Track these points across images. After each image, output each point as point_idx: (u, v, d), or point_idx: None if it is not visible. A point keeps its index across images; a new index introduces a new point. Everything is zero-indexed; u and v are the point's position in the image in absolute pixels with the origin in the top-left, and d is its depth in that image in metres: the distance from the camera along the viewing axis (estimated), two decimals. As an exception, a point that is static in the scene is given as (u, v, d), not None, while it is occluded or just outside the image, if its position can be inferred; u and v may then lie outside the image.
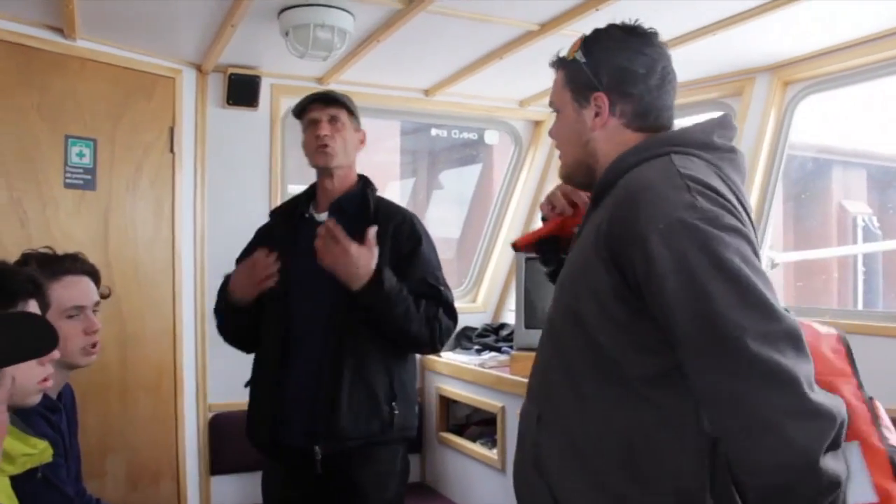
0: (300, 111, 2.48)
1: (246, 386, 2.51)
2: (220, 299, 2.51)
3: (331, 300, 2.32)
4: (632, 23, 1.52)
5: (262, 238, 2.53)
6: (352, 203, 2.44)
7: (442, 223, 5.95)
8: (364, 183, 2.50)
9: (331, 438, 2.30)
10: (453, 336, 4.05)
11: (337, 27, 2.73)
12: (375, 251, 2.25)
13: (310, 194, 2.53)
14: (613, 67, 1.47)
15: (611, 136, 1.49)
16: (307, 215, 2.46)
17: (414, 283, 2.36)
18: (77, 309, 1.97)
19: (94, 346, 2.01)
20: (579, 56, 1.50)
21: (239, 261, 2.52)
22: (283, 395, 2.36)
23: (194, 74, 3.41)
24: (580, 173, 1.55)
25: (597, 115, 1.49)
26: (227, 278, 2.48)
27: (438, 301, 2.39)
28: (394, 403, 2.36)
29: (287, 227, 2.47)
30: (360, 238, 2.24)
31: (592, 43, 1.51)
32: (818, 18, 2.61)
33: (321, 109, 2.42)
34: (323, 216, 2.41)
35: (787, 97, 3.12)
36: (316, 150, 2.41)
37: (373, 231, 2.25)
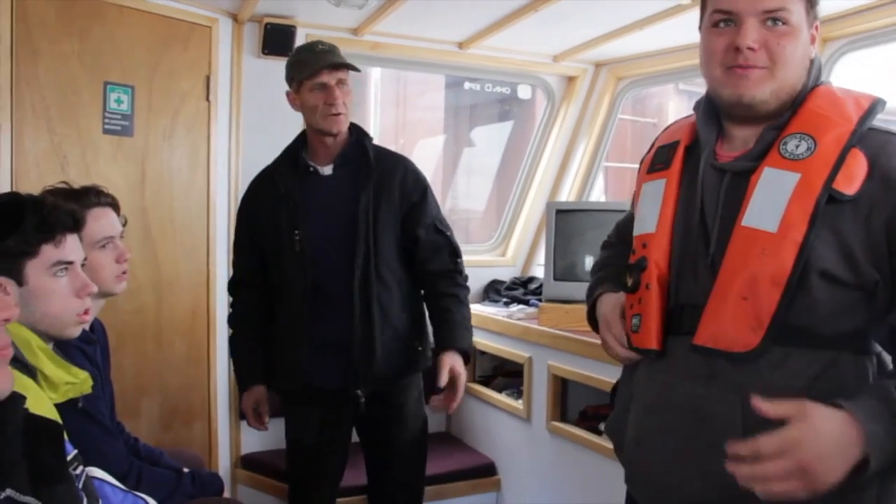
0: (309, 74, 2.46)
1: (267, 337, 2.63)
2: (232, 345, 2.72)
3: (350, 248, 2.43)
4: None
5: (264, 191, 2.59)
6: (354, 155, 2.51)
7: (475, 174, 5.95)
8: (359, 133, 2.55)
9: (370, 381, 2.47)
10: (482, 289, 4.12)
11: (373, -25, 2.75)
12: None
13: (303, 144, 2.58)
14: None
15: None
16: (312, 169, 2.52)
17: (426, 230, 2.51)
18: (107, 239, 2.04)
19: (124, 272, 2.09)
20: None
21: (240, 214, 2.67)
22: (316, 343, 2.48)
23: (230, 23, 3.43)
24: (782, 101, 1.42)
25: (812, 40, 1.42)
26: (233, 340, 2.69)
27: (451, 248, 2.57)
28: (417, 340, 2.56)
29: (294, 182, 2.51)
30: (369, 189, 2.45)
31: None
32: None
33: (330, 73, 2.43)
34: (328, 169, 2.51)
35: (826, 55, 3.07)
36: (327, 117, 2.43)
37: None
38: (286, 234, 2.46)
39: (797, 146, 1.35)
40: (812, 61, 1.45)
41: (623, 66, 4.00)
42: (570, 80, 4.16)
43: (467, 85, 4.62)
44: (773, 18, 1.37)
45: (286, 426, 2.68)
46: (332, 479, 2.66)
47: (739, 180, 1.41)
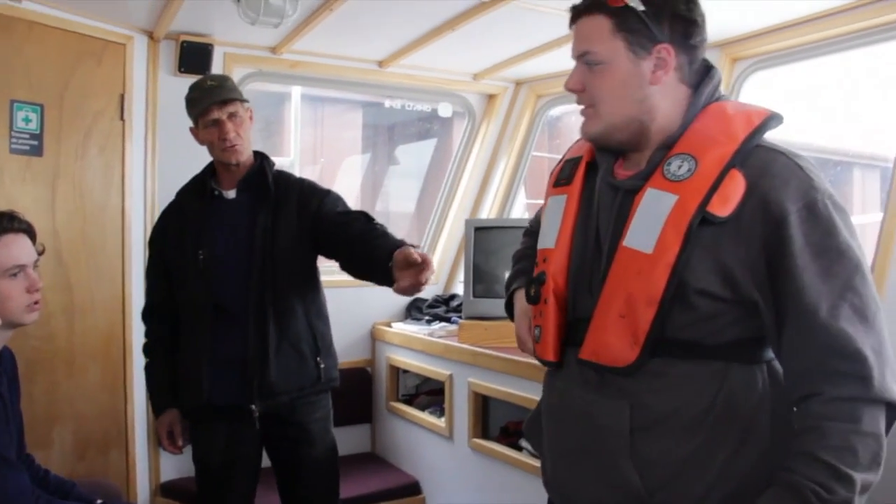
0: (200, 112, 2.50)
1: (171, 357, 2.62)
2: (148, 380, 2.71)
3: (251, 269, 2.48)
4: None
5: (172, 217, 2.64)
6: (256, 180, 2.56)
7: (397, 199, 5.95)
8: (262, 158, 2.61)
9: (264, 396, 2.47)
10: (404, 307, 4.11)
11: (288, -7, 2.74)
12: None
13: (211, 172, 2.62)
14: (676, 16, 1.39)
15: (668, 92, 1.42)
16: (217, 193, 2.57)
17: (336, 215, 2.51)
18: (18, 267, 1.97)
19: (36, 303, 2.02)
20: (634, 3, 1.37)
21: (151, 242, 2.68)
22: (216, 361, 2.49)
23: (145, 41, 3.37)
24: (627, 132, 1.44)
25: (658, 68, 1.40)
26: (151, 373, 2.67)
27: (364, 216, 2.49)
28: (318, 358, 2.55)
29: (199, 206, 2.57)
30: (267, 210, 2.49)
31: None
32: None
33: (220, 109, 2.47)
34: (231, 193, 2.56)
35: (735, 73, 3.18)
36: (224, 150, 2.49)
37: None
38: (190, 254, 2.50)
39: (679, 167, 1.38)
40: (707, 79, 1.45)
41: (542, 83, 4.06)
42: (491, 97, 4.20)
43: (388, 103, 4.61)
44: (587, 60, 1.44)
45: (192, 448, 2.64)
46: (242, 499, 2.63)
47: (629, 199, 1.45)
